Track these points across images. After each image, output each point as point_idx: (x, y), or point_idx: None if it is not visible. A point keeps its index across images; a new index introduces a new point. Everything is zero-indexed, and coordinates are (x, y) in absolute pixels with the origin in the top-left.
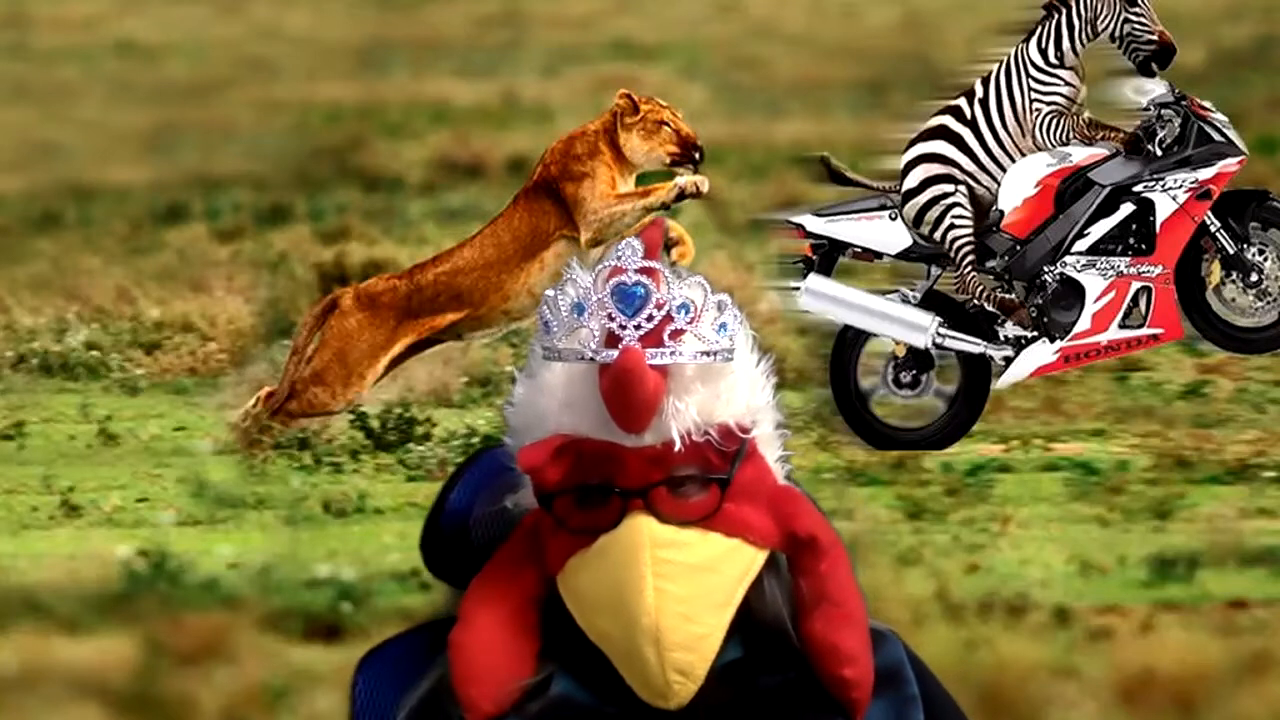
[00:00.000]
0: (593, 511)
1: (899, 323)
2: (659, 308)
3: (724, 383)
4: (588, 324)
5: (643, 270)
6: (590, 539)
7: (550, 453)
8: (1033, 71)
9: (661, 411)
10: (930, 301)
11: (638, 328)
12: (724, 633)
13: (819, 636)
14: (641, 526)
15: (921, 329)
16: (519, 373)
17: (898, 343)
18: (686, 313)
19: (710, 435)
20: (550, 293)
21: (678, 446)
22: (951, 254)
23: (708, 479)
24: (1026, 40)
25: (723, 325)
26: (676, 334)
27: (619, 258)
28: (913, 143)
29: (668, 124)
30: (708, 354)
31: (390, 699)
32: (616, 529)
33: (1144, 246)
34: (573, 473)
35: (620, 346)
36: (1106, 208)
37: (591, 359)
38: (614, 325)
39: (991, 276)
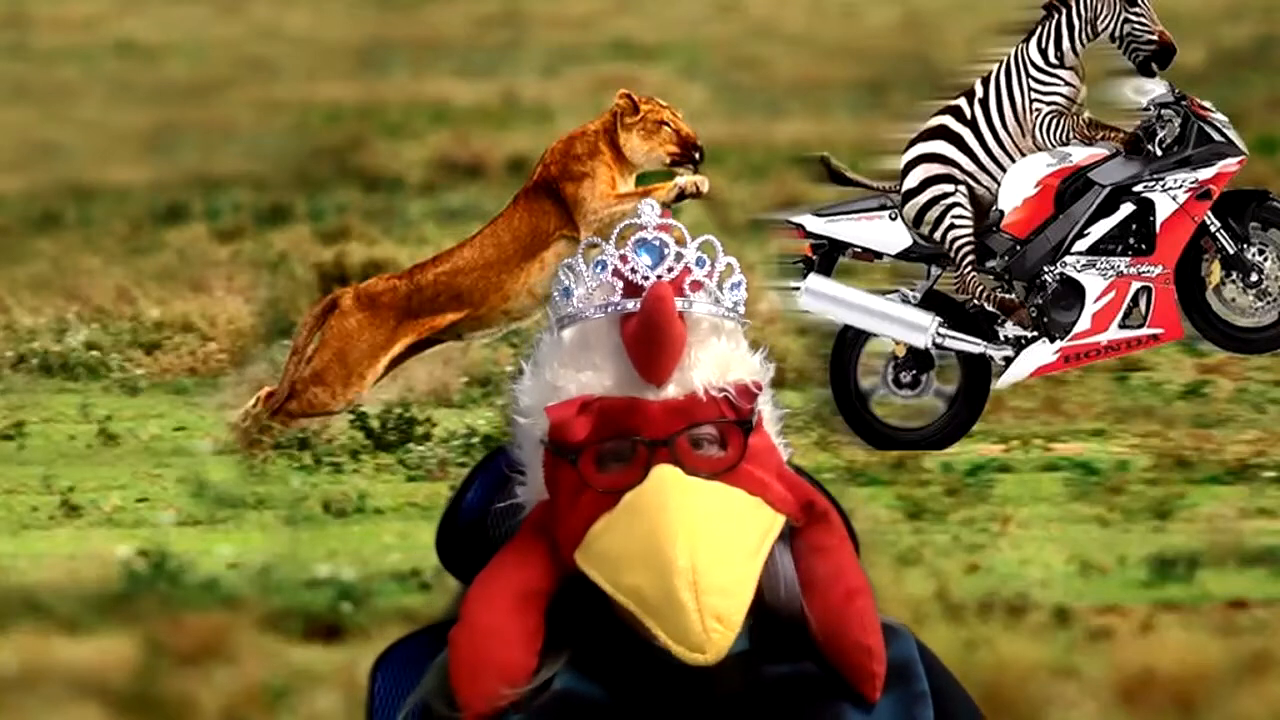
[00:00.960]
0: (617, 472)
1: (899, 323)
2: (678, 259)
3: (737, 341)
4: (609, 278)
5: (661, 227)
6: (614, 499)
7: (575, 410)
8: (1033, 71)
9: (682, 363)
10: (930, 301)
11: (659, 277)
12: (755, 582)
13: (835, 609)
14: (669, 475)
15: (921, 329)
16: (524, 362)
17: (898, 343)
18: (703, 266)
19: (728, 391)
20: (569, 260)
21: (701, 394)
22: (951, 254)
23: (733, 424)
24: (1026, 40)
25: (735, 284)
26: (696, 285)
27: (638, 216)
28: (913, 143)
29: (668, 124)
30: (723, 310)
31: (406, 697)
32: (645, 480)
33: (1144, 246)
34: (598, 427)
35: (645, 291)
36: (1106, 208)
37: (618, 308)
38: (636, 276)
39: (991, 276)
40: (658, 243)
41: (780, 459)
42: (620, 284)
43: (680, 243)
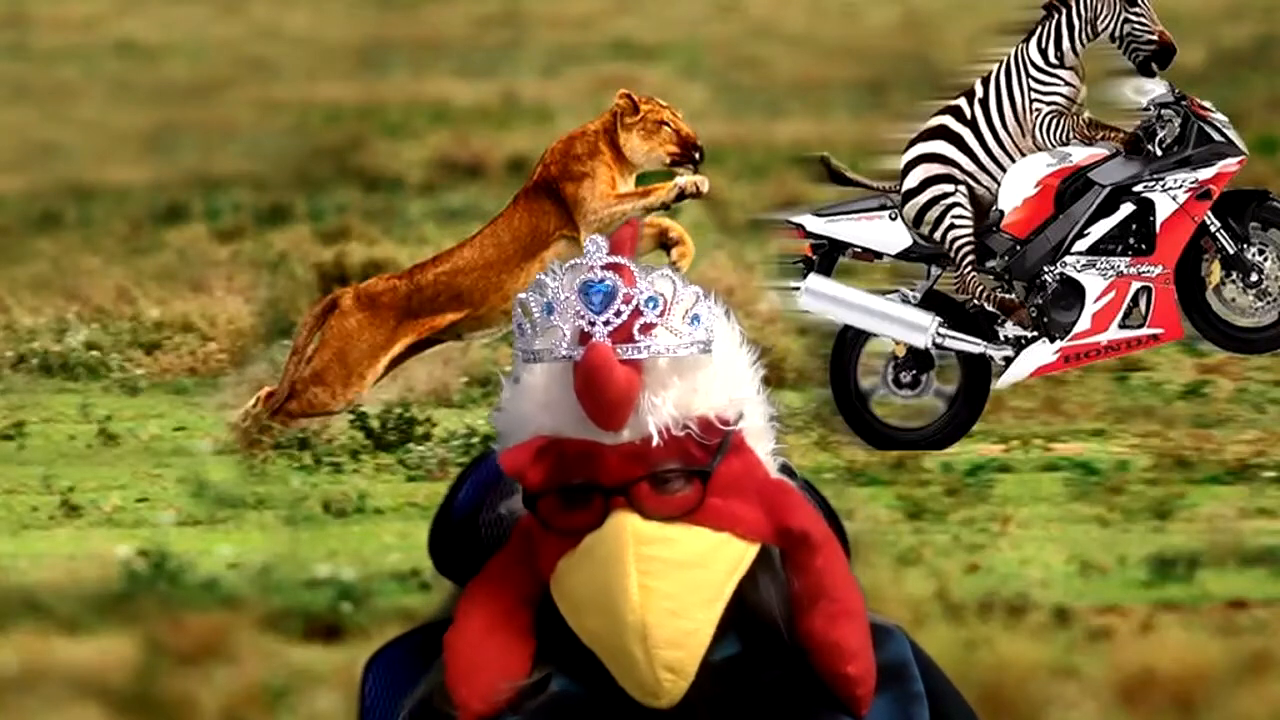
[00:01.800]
0: (577, 512)
1: (899, 323)
2: (626, 302)
3: (701, 375)
4: (558, 323)
5: (609, 266)
6: (576, 540)
7: (532, 454)
8: (1033, 71)
9: (638, 407)
10: (930, 301)
11: (606, 324)
12: (713, 628)
13: (819, 634)
14: (624, 524)
15: (921, 329)
16: (505, 379)
17: (898, 343)
18: (655, 306)
19: (690, 429)
20: (522, 296)
21: (655, 441)
22: (951, 254)
23: (690, 472)
24: (1026, 40)
25: (695, 317)
26: (647, 328)
27: (586, 255)
28: (913, 143)
29: (668, 124)
30: (679, 347)
31: (398, 698)
32: (600, 528)
33: (1144, 246)
34: (555, 473)
35: (584, 352)
36: (1106, 208)
37: (565, 358)
38: (583, 323)
39: (991, 276)
40: (606, 285)
41: (765, 474)
42: (567, 330)
43: (630, 283)
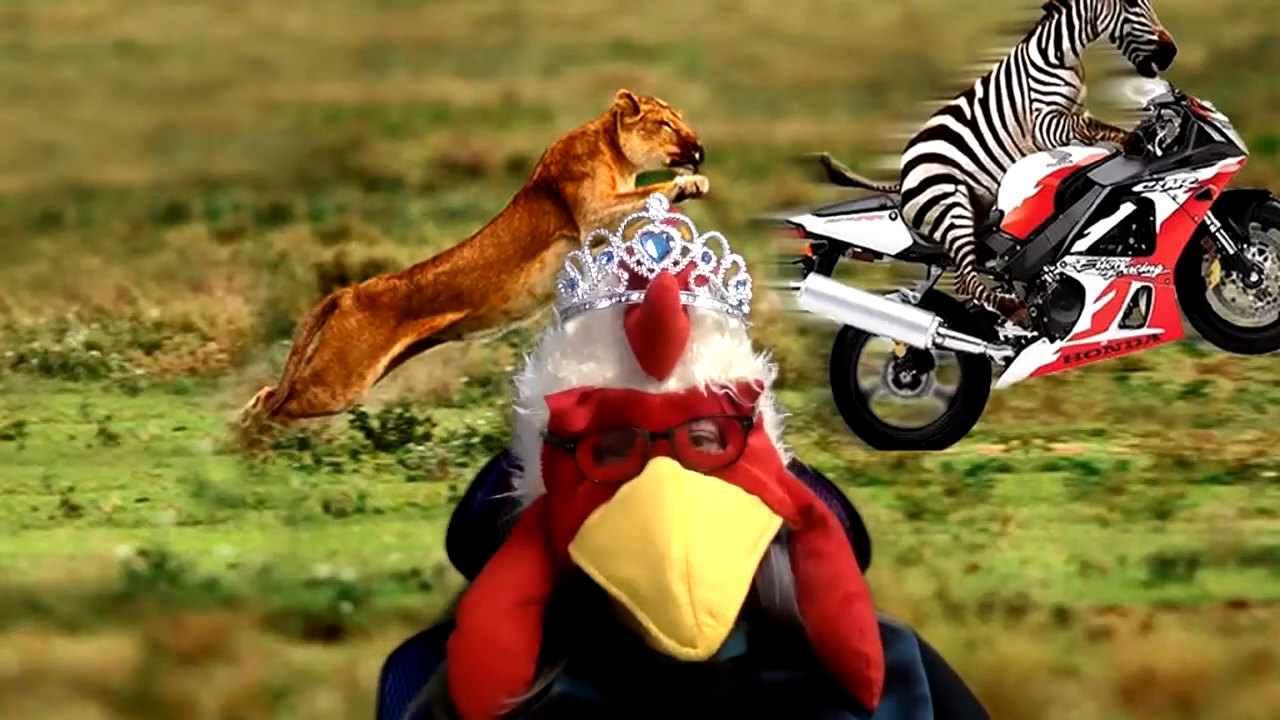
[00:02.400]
0: (614, 464)
1: (899, 323)
2: (684, 253)
3: (741, 339)
4: (615, 270)
5: (668, 221)
6: (610, 491)
7: (575, 399)
8: (1033, 71)
9: (684, 357)
10: (930, 301)
11: (665, 270)
12: (749, 580)
13: (833, 614)
14: (667, 468)
15: (921, 329)
16: (527, 355)
17: (898, 343)
18: (708, 262)
19: (729, 388)
20: (575, 253)
21: (702, 389)
22: (951, 254)
23: (732, 419)
24: (1026, 40)
25: (741, 282)
26: (701, 280)
27: (646, 209)
28: (913, 143)
29: (668, 124)
30: (725, 308)
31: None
32: (641, 473)
33: (1144, 246)
34: (596, 420)
35: (650, 283)
36: (1106, 208)
37: (623, 299)
38: (642, 269)
39: (991, 276)
40: (664, 236)
41: (780, 462)
42: (626, 275)
43: (687, 237)
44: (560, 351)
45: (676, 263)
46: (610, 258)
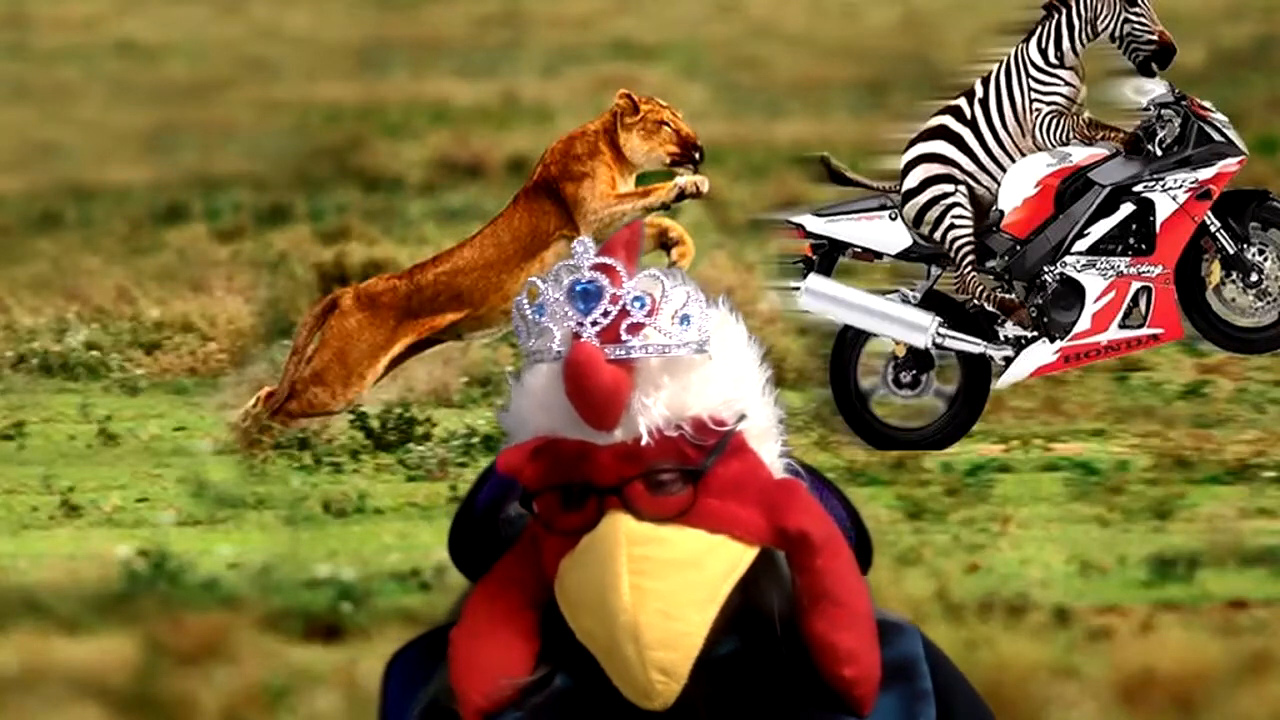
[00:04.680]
0: (573, 513)
1: (899, 323)
2: (614, 303)
3: (695, 375)
4: (549, 324)
5: (597, 267)
6: (576, 540)
7: (528, 454)
8: (1033, 71)
9: (629, 407)
10: (930, 301)
11: (594, 324)
12: (707, 630)
13: (819, 635)
14: (618, 524)
15: (921, 329)
16: (512, 380)
17: (898, 343)
18: (643, 306)
19: (683, 429)
20: (519, 298)
21: (645, 440)
22: (951, 254)
23: (683, 471)
24: (1026, 40)
25: (685, 318)
26: (635, 328)
27: (574, 256)
28: (913, 143)
29: (668, 124)
30: (670, 347)
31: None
32: (595, 529)
33: (1144, 246)
34: (550, 472)
35: (569, 352)
36: (1106, 208)
37: (555, 357)
38: (571, 324)
39: (991, 276)
40: (593, 286)
41: (767, 475)
42: (557, 332)
43: (616, 283)
44: (522, 394)
45: (607, 313)
46: (541, 311)
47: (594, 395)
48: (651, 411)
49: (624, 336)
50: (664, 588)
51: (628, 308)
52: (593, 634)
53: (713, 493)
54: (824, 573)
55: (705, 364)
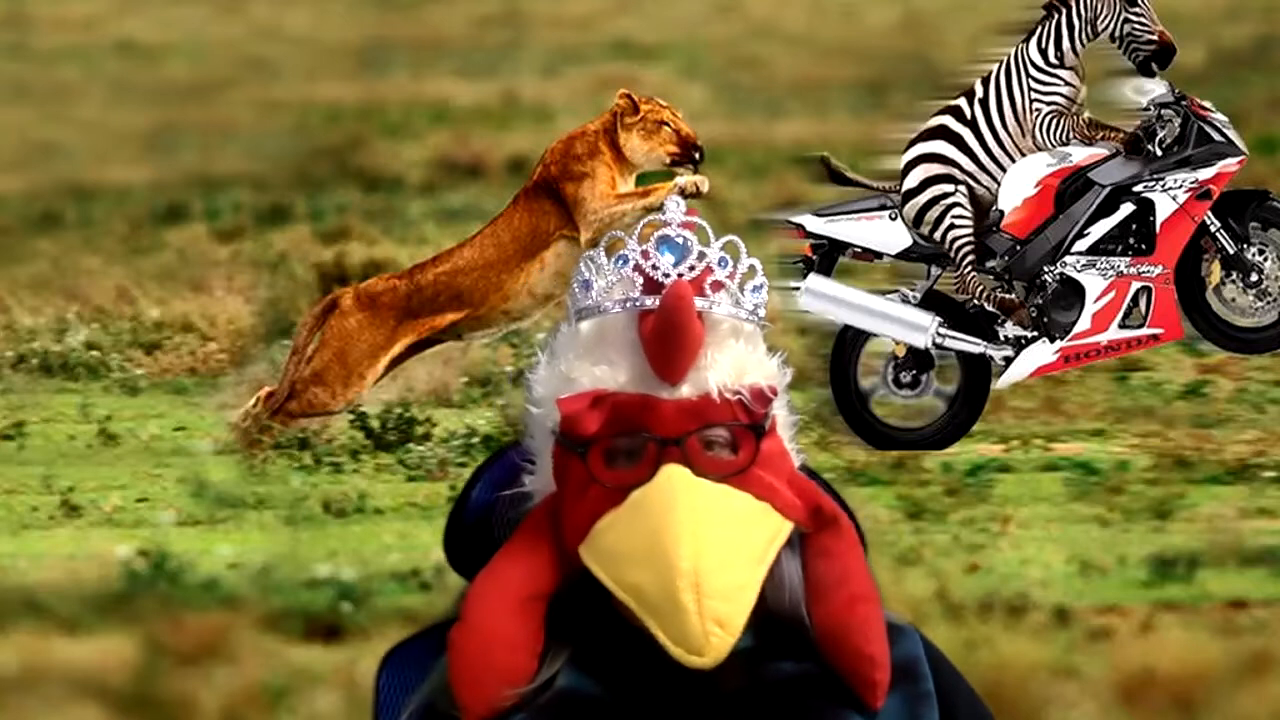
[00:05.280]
0: (626, 469)
1: (899, 323)
2: (700, 258)
3: (756, 344)
4: (630, 274)
5: (685, 224)
6: (622, 496)
7: (588, 403)
8: (1033, 71)
9: (698, 363)
10: (930, 301)
11: (680, 275)
12: (758, 589)
13: (840, 615)
14: (678, 475)
15: (921, 329)
16: (541, 351)
17: (898, 343)
18: (725, 267)
19: (742, 394)
20: (591, 253)
21: (715, 395)
22: (951, 254)
23: (745, 426)
24: (1026, 40)
25: (757, 288)
26: (717, 285)
27: (663, 211)
28: (913, 143)
29: (668, 124)
30: (741, 312)
31: (412, 696)
32: (653, 479)
33: (1144, 246)
34: (610, 423)
35: (665, 289)
36: (1106, 208)
37: (637, 304)
38: (658, 273)
39: (991, 276)
40: (681, 240)
41: (791, 464)
42: (640, 280)
43: (704, 241)
44: (573, 352)
45: (693, 267)
46: (625, 260)
47: (681, 335)
48: (721, 369)
49: (707, 291)
50: (722, 539)
51: (713, 265)
52: (640, 587)
53: (760, 464)
54: (847, 556)
55: (759, 337)
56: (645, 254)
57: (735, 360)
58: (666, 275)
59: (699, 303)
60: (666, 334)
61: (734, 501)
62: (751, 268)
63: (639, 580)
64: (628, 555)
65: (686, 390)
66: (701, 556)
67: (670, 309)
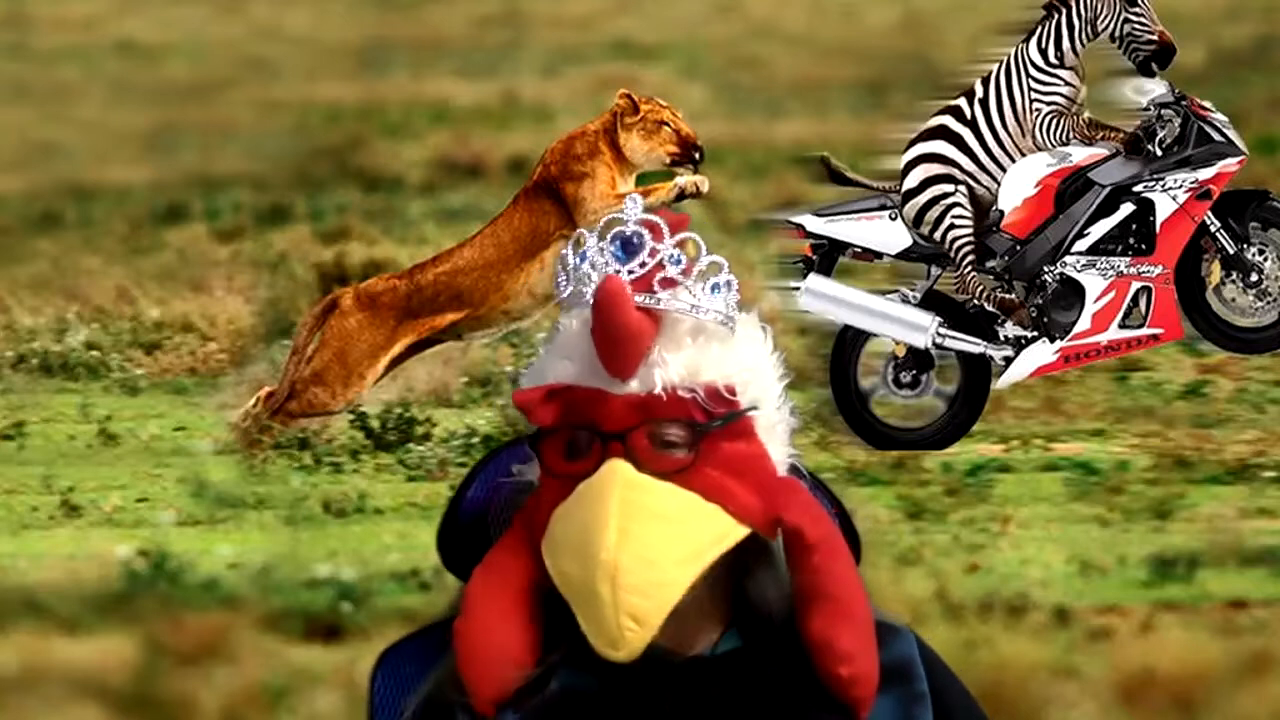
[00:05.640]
0: (577, 461)
1: (899, 323)
2: (652, 256)
3: (717, 345)
4: (589, 271)
5: (642, 222)
6: (572, 487)
7: (542, 395)
8: (1033, 71)
9: (648, 359)
10: (930, 301)
11: (630, 273)
12: (686, 588)
13: (816, 634)
14: (616, 468)
15: (921, 329)
16: (543, 347)
17: (898, 343)
18: (678, 264)
19: (696, 393)
20: (564, 250)
21: (659, 391)
22: (951, 254)
23: (687, 424)
24: (1026, 40)
25: (716, 286)
26: (667, 282)
27: (623, 210)
28: (913, 143)
29: (668, 124)
30: (695, 308)
31: (407, 696)
32: (595, 472)
33: (1144, 246)
34: (561, 415)
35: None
36: (1106, 208)
37: (585, 299)
38: (609, 270)
39: (991, 276)
40: (635, 238)
41: (769, 467)
42: (594, 275)
43: (657, 238)
44: (549, 346)
45: (644, 264)
46: (584, 257)
47: (617, 331)
48: (670, 367)
49: (656, 288)
50: (650, 535)
51: (664, 262)
52: (569, 576)
53: (714, 464)
54: (820, 570)
55: (727, 338)
56: (600, 250)
57: (690, 359)
58: (617, 273)
59: (643, 299)
60: (601, 329)
61: (673, 499)
62: (713, 264)
63: (568, 570)
64: (563, 544)
65: (634, 386)
66: (623, 550)
67: (600, 305)
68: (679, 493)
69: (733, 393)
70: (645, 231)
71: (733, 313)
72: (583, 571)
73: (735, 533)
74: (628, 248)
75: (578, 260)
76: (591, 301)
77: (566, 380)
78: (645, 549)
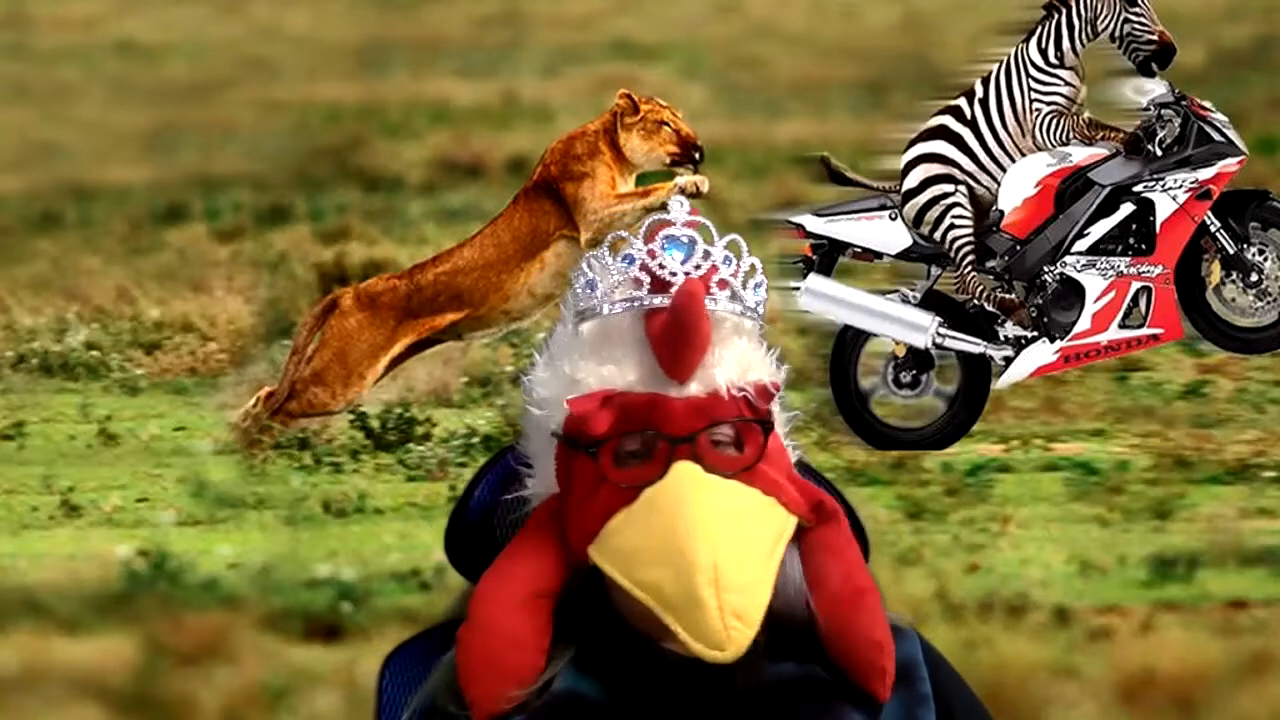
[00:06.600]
0: (636, 467)
1: (899, 323)
2: (706, 257)
3: (758, 341)
4: (637, 273)
5: (690, 224)
6: (634, 494)
7: (598, 403)
8: (1033, 71)
9: (704, 361)
10: (930, 301)
11: (688, 274)
12: (772, 584)
13: (848, 604)
14: (692, 472)
15: (921, 329)
16: (538, 354)
17: (898, 343)
18: (729, 265)
19: (747, 391)
20: (592, 254)
21: (723, 393)
22: (951, 254)
23: (751, 422)
24: (1026, 40)
25: (758, 284)
26: (722, 284)
27: (668, 211)
28: (913, 143)
29: (668, 124)
30: (745, 309)
31: (413, 698)
32: (664, 477)
33: (1144, 246)
34: (620, 422)
35: (674, 288)
36: (1106, 208)
37: (643, 303)
38: (664, 272)
39: (991, 276)
40: (686, 239)
41: (789, 461)
42: (647, 279)
43: (708, 240)
44: (578, 353)
45: (698, 266)
46: (631, 260)
47: (693, 335)
48: (728, 367)
49: (713, 290)
50: (737, 534)
51: (718, 264)
52: (659, 585)
53: (766, 461)
54: (847, 550)
55: (759, 334)
56: (652, 253)
57: (740, 357)
58: (674, 274)
59: (705, 301)
60: (678, 333)
61: (744, 497)
62: (753, 266)
63: (656, 578)
64: (643, 553)
65: (694, 388)
66: (718, 551)
67: (682, 308)
68: (749, 491)
69: (777, 388)
70: (696, 233)
71: (764, 308)
72: (679, 578)
73: (790, 525)
74: (681, 249)
75: (621, 263)
76: (651, 305)
77: (618, 386)
78: (737, 548)
